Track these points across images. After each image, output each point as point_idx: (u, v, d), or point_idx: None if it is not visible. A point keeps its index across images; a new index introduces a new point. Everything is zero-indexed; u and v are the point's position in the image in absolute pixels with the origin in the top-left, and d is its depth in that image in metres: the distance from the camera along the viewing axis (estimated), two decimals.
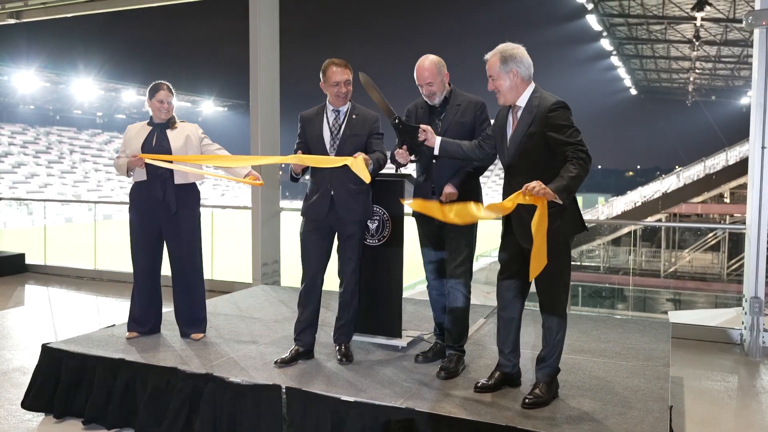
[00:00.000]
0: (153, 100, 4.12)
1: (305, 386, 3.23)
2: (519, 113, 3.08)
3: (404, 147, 3.37)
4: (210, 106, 70.29)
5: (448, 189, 3.48)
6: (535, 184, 2.77)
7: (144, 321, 4.15)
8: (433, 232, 3.63)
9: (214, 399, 3.32)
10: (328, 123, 3.68)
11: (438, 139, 3.33)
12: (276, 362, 3.58)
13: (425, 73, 3.54)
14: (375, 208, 3.87)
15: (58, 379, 3.74)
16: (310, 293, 3.73)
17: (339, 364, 3.60)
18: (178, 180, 4.05)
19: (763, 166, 4.97)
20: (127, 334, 4.10)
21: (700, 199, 24.95)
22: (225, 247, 9.08)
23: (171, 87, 4.19)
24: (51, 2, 8.24)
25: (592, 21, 26.46)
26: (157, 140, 4.09)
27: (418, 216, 3.68)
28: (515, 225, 3.11)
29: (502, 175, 3.25)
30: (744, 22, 4.87)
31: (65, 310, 6.54)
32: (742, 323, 5.22)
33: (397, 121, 3.37)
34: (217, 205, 8.37)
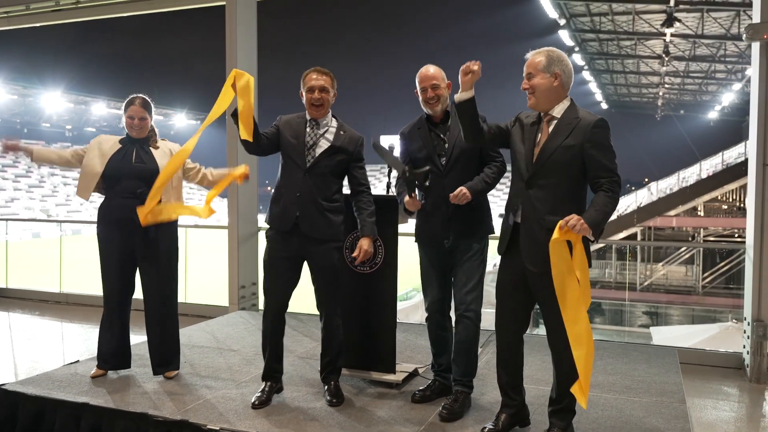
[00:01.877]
0: (125, 116, 3.76)
1: None
2: (554, 124, 2.81)
3: (413, 195, 3.22)
4: (183, 120, 69.45)
5: (464, 191, 3.17)
6: (575, 221, 2.53)
7: (111, 357, 3.77)
8: (441, 255, 3.32)
9: None
10: (308, 132, 3.37)
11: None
12: (253, 404, 3.24)
13: (431, 73, 3.32)
14: None
15: (14, 425, 3.35)
16: (277, 328, 3.39)
17: (329, 406, 3.27)
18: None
19: (765, 183, 4.79)
20: (93, 371, 3.72)
21: (674, 212, 25.10)
22: (199, 268, 8.67)
23: (148, 102, 3.81)
24: (15, 12, 7.82)
25: (565, 36, 26.64)
26: (137, 157, 3.72)
27: (423, 239, 3.37)
28: (524, 241, 2.81)
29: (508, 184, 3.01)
30: (744, 35, 4.70)
31: (26, 339, 6.08)
32: (744, 347, 5.01)
33: (407, 173, 3.18)
34: (191, 225, 7.98)
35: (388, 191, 3.72)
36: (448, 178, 3.26)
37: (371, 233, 3.30)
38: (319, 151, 3.31)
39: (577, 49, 33.05)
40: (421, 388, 3.42)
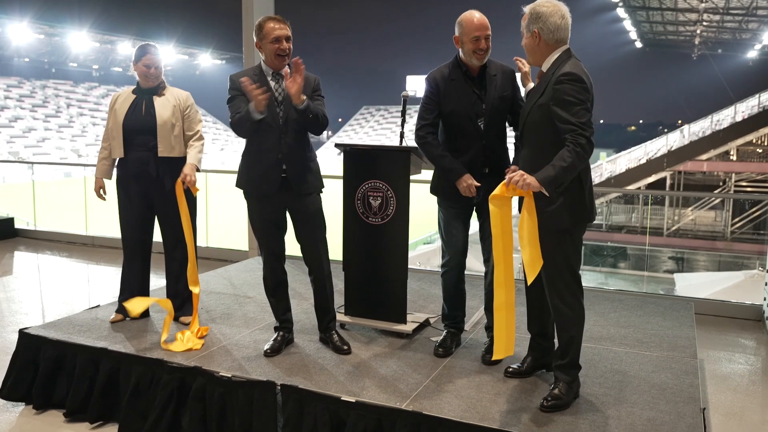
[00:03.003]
0: (139, 64, 3.73)
1: (302, 383, 2.96)
2: (549, 80, 2.73)
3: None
4: (207, 59, 69.08)
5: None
6: (518, 177, 2.48)
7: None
8: (468, 210, 3.30)
9: (204, 394, 3.06)
10: (273, 86, 3.24)
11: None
12: (266, 352, 3.31)
13: (486, 21, 3.14)
14: (378, 184, 3.54)
15: (37, 367, 3.47)
16: (277, 278, 3.44)
17: (342, 354, 3.34)
18: (162, 153, 3.70)
19: None
20: (113, 316, 3.82)
21: (705, 156, 24.50)
22: (222, 212, 8.75)
23: (157, 49, 3.79)
24: None
25: None
26: (146, 110, 3.72)
27: (448, 192, 3.27)
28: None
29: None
30: None
31: (54, 281, 6.26)
32: (764, 299, 4.94)
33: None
34: (211, 170, 8.02)
35: (401, 142, 3.66)
36: (485, 139, 3.20)
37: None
38: (286, 105, 3.22)
39: None
40: (437, 339, 3.44)
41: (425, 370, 3.13)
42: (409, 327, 3.60)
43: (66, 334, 3.52)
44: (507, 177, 2.54)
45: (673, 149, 25.44)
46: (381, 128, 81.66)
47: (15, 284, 6.05)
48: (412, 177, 3.55)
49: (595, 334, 3.68)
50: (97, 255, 7.42)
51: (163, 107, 3.74)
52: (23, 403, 3.48)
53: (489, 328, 3.49)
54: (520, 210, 2.66)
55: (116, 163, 3.83)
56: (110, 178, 3.87)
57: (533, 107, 2.74)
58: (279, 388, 2.92)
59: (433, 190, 3.40)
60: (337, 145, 3.68)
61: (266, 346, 3.36)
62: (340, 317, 3.71)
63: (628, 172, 25.40)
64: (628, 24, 43.20)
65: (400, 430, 2.67)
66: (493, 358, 2.64)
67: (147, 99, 3.74)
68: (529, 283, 2.87)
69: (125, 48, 62.91)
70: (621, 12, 39.44)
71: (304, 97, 3.12)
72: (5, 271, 6.65)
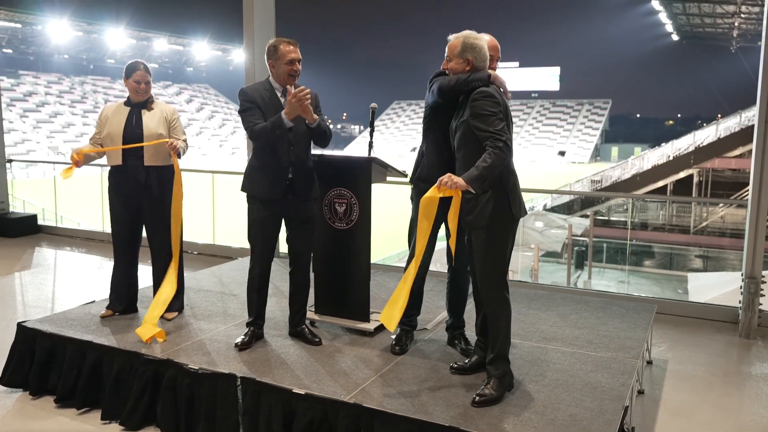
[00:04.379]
0: (130, 81, 4.05)
1: (263, 375, 3.23)
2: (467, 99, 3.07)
3: None
4: (241, 55, 69.74)
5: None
6: (446, 178, 2.85)
7: (122, 299, 4.20)
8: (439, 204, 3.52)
9: (174, 385, 3.35)
10: (283, 102, 3.54)
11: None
12: (238, 346, 3.60)
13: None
14: (343, 191, 3.79)
15: (33, 357, 3.82)
16: (265, 277, 3.73)
17: (315, 345, 3.65)
18: (148, 162, 4.01)
19: (766, 141, 4.70)
20: (103, 312, 4.15)
21: (735, 153, 24.10)
22: (229, 210, 9.11)
23: (148, 66, 4.12)
24: None
25: None
26: (137, 122, 4.04)
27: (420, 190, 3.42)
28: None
29: None
30: None
31: (68, 276, 6.67)
32: (739, 302, 5.05)
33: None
34: (219, 171, 8.29)
35: (369, 152, 3.89)
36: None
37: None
38: (296, 121, 3.50)
39: None
40: (394, 339, 3.67)
41: (377, 365, 3.38)
42: (371, 325, 3.84)
43: (59, 327, 3.85)
44: (438, 181, 2.88)
45: (701, 145, 25.07)
46: (412, 123, 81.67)
47: (32, 279, 6.48)
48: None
49: (549, 334, 3.87)
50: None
51: (151, 119, 4.05)
52: (21, 390, 3.83)
53: (450, 327, 3.71)
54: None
55: (110, 171, 4.14)
56: (87, 163, 4.11)
57: (459, 124, 3.06)
58: (239, 380, 3.20)
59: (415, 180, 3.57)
60: None
61: (237, 340, 3.64)
62: (310, 315, 3.97)
63: (654, 169, 25.13)
64: (663, 17, 42.53)
65: (342, 420, 2.92)
66: (379, 320, 3.10)
67: (137, 112, 4.06)
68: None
69: (161, 44, 64.30)
70: (656, 4, 38.86)
71: (316, 117, 3.51)
72: (24, 266, 7.10)
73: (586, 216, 19.25)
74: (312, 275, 3.96)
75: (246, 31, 6.55)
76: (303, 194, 3.62)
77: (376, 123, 3.94)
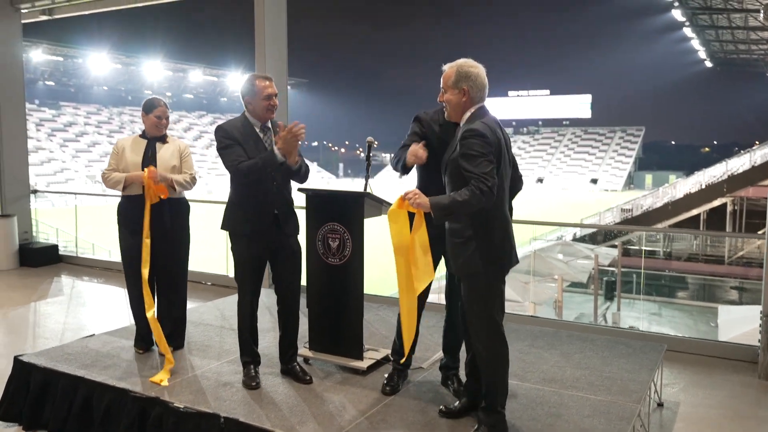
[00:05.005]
0: (150, 116, 4.13)
1: (249, 414, 3.17)
2: (458, 135, 2.93)
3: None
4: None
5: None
6: (411, 194, 2.82)
7: (149, 337, 4.16)
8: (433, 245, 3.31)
9: (160, 422, 3.31)
10: (263, 138, 3.55)
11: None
12: (251, 387, 3.53)
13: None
14: (336, 226, 3.74)
15: (28, 390, 3.82)
16: (255, 315, 3.69)
17: (306, 384, 3.57)
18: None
19: None
20: (141, 349, 4.14)
21: None
22: None
23: (167, 103, 4.22)
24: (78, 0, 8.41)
25: None
26: (153, 155, 4.11)
27: None
28: (448, 251, 2.99)
29: None
30: (762, 14, 4.40)
31: (82, 307, 6.73)
32: (758, 340, 4.82)
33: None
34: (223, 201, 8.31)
35: (366, 187, 3.84)
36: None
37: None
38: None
39: (676, 4, 31.14)
40: (386, 379, 3.57)
41: (365, 407, 3.28)
42: (364, 363, 3.75)
43: (53, 361, 3.86)
44: (404, 192, 2.84)
45: (735, 173, 24.48)
46: None
47: (46, 309, 6.55)
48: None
49: (549, 375, 3.73)
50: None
51: (166, 151, 4.15)
52: (16, 424, 3.83)
53: (444, 366, 3.61)
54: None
55: (121, 203, 4.15)
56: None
57: (449, 161, 2.94)
58: (223, 420, 3.14)
59: None
60: (299, 190, 3.91)
61: (252, 383, 3.55)
62: (304, 352, 3.90)
63: (686, 198, 24.59)
64: (696, 43, 42.05)
65: None
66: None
67: (153, 145, 4.13)
68: (417, 294, 3.00)
69: (196, 76, 65.84)
70: (688, 32, 38.46)
71: (298, 159, 3.51)
72: (41, 296, 7.19)
73: (614, 246, 18.84)
74: (306, 311, 3.91)
75: (258, 62, 6.62)
76: (288, 228, 3.61)
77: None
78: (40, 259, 8.68)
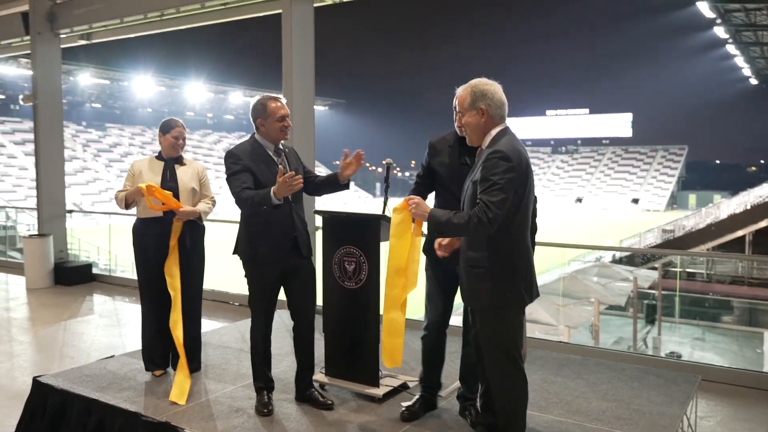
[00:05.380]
0: (168, 136, 4.12)
1: None
2: (482, 157, 2.77)
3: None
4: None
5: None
6: (413, 201, 2.79)
7: (160, 359, 4.14)
8: (449, 277, 3.28)
9: None
10: (277, 162, 3.49)
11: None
12: (264, 414, 3.46)
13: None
14: (352, 249, 3.66)
15: (45, 411, 3.82)
16: (269, 341, 3.61)
17: (327, 410, 3.50)
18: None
19: None
20: (156, 372, 4.09)
21: None
22: None
23: (183, 123, 4.21)
24: (112, 24, 8.61)
25: (704, 8, 24.71)
26: (171, 176, 4.10)
27: (434, 258, 3.31)
28: (461, 282, 2.84)
29: None
30: None
31: (112, 326, 6.78)
32: None
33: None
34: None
35: (384, 209, 3.76)
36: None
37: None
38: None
39: (719, 21, 30.50)
40: (407, 404, 3.47)
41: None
42: (380, 390, 3.64)
43: (70, 383, 3.85)
44: (409, 197, 2.83)
45: None
46: None
47: (76, 328, 6.62)
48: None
49: (574, 407, 3.56)
50: None
51: (184, 173, 4.13)
52: None
53: (461, 396, 3.48)
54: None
55: (139, 223, 4.15)
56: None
57: (470, 184, 2.78)
58: None
59: (424, 249, 3.42)
60: (316, 212, 3.84)
61: (264, 410, 3.47)
62: (320, 377, 3.81)
63: (731, 219, 23.80)
64: (740, 60, 41.14)
65: None
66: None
67: (171, 166, 4.12)
68: (401, 302, 2.98)
69: (236, 97, 67.10)
70: (731, 49, 37.65)
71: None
72: (72, 315, 7.28)
73: (655, 268, 18.31)
74: (323, 335, 3.83)
75: (285, 85, 6.64)
76: (305, 250, 3.54)
77: None
78: (75, 278, 8.81)
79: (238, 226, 3.60)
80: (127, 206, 4.13)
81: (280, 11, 6.65)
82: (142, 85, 59.97)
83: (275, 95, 3.53)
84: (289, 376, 3.89)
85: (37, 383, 3.91)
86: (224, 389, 3.83)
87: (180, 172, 4.13)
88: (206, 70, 61.78)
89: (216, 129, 74.14)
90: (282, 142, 3.56)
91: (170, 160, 4.15)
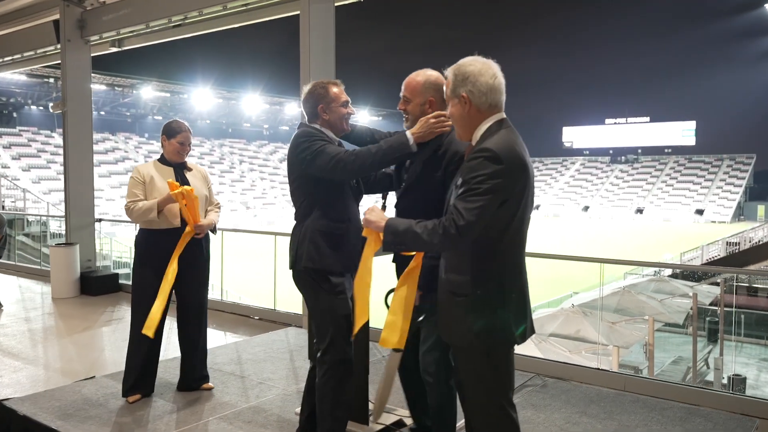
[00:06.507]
0: (173, 141, 3.83)
1: None
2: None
3: None
4: (366, 116, 72.46)
5: None
6: (368, 210, 2.29)
7: (144, 384, 3.80)
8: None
9: None
10: None
11: None
12: None
13: (405, 81, 2.87)
14: None
15: None
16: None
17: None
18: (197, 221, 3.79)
19: None
20: (130, 398, 3.74)
21: None
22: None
23: (189, 127, 3.92)
24: (140, 30, 8.46)
25: None
26: (181, 182, 3.77)
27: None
28: (440, 309, 2.32)
29: None
30: None
31: (124, 340, 6.51)
32: None
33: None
34: (281, 233, 8.01)
35: None
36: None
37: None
38: None
39: None
40: None
41: None
42: (373, 428, 3.16)
43: (35, 408, 3.54)
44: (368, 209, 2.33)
45: None
46: (536, 180, 79.73)
47: (89, 340, 6.37)
48: None
49: None
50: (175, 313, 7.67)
51: (195, 179, 3.89)
52: None
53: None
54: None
55: (146, 235, 3.79)
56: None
57: (452, 189, 2.27)
58: None
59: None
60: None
61: None
62: None
63: None
64: None
65: None
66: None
67: (180, 172, 3.81)
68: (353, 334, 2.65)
69: (292, 108, 68.02)
70: None
71: None
72: (87, 326, 7.06)
73: (717, 283, 17.14)
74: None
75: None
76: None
77: None
78: (100, 288, 8.66)
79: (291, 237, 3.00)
80: (158, 215, 3.75)
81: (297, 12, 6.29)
82: (202, 98, 61.49)
83: (334, 80, 2.97)
84: (277, 405, 3.46)
85: (2, 407, 3.60)
86: (204, 418, 3.42)
87: (190, 178, 3.86)
88: (262, 82, 62.76)
89: (272, 140, 75.32)
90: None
91: (178, 165, 3.85)
